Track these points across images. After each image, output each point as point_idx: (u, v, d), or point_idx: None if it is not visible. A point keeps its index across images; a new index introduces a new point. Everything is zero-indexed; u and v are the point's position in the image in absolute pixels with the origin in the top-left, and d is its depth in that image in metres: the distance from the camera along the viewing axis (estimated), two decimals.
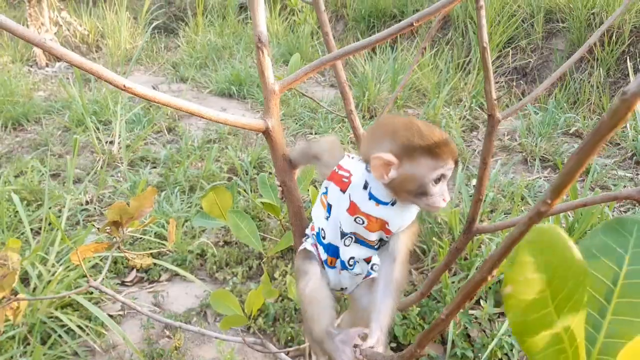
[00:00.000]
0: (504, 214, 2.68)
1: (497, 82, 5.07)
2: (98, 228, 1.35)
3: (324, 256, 1.01)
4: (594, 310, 0.40)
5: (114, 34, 5.83)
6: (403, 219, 0.95)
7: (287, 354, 1.94)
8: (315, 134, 3.88)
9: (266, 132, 0.95)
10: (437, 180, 0.88)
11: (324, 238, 0.99)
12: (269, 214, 2.90)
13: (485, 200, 2.83)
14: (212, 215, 1.26)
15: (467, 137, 3.90)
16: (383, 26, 5.95)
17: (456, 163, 0.90)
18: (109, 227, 1.32)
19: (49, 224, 2.61)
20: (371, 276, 1.01)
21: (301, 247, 1.04)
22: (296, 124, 4.09)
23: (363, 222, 0.93)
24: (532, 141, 3.61)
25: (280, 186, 1.08)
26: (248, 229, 1.26)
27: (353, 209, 0.93)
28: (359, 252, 0.98)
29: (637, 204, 2.87)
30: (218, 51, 5.72)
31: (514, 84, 4.86)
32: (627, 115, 0.32)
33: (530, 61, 5.03)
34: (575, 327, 0.36)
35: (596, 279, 0.40)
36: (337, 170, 0.96)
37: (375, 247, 0.98)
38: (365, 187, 0.92)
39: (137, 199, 1.30)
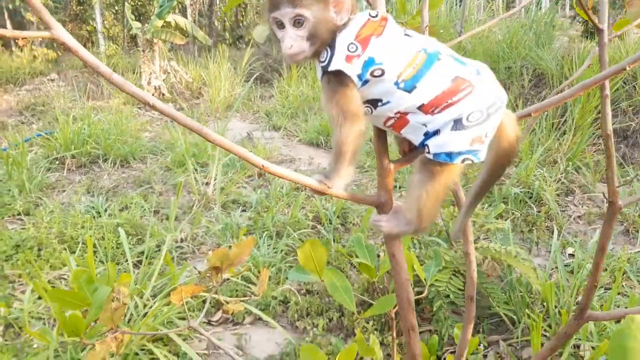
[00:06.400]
0: (604, 289, 2.50)
1: (594, 144, 4.83)
2: (199, 272, 1.43)
3: None
4: None
5: (215, 83, 6.28)
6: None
7: None
8: None
9: (379, 206, 0.99)
10: (279, 25, 0.89)
11: None
12: (351, 266, 2.91)
13: (581, 272, 2.66)
14: (307, 268, 1.30)
15: (561, 201, 3.73)
16: None
17: (292, 5, 0.85)
18: (209, 272, 1.40)
19: (146, 257, 2.79)
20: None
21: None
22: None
23: None
24: (635, 211, 3.37)
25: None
26: (343, 288, 1.29)
27: None
28: None
29: None
30: (309, 102, 5.96)
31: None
32: None
33: (631, 124, 4.78)
34: None
35: None
36: None
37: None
38: None
39: (238, 247, 1.37)
